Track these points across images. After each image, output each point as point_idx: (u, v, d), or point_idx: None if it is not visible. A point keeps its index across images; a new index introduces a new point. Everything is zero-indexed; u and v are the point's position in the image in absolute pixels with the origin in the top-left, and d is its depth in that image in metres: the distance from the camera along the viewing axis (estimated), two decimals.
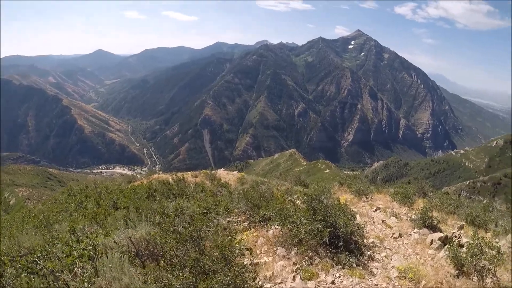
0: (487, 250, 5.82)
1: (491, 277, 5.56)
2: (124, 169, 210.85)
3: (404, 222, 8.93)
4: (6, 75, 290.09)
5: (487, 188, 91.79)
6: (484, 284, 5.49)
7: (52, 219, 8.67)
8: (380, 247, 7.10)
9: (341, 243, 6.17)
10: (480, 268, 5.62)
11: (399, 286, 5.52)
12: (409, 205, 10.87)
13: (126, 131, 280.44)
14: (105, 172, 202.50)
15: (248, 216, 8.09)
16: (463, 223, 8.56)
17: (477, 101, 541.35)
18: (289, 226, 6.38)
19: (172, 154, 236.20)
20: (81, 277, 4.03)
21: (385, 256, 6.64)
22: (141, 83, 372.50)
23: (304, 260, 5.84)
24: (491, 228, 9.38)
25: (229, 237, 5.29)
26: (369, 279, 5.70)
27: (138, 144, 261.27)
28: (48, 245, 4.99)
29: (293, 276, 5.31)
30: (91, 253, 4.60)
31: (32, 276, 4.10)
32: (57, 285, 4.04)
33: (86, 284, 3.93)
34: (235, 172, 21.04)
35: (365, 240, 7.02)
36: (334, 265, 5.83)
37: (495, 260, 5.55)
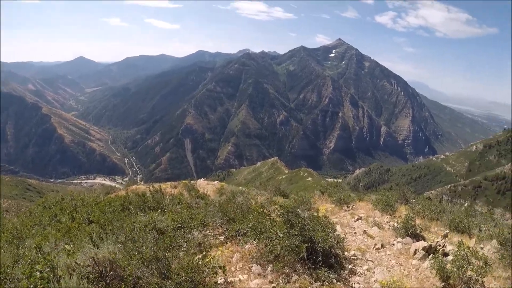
0: (473, 260, 5.63)
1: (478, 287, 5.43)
2: (105, 180, 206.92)
3: (387, 232, 8.74)
4: None
5: (468, 192, 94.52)
6: None
7: (25, 234, 8.38)
8: (362, 259, 6.82)
9: (320, 258, 5.76)
10: (467, 279, 5.46)
11: None
12: (391, 213, 10.67)
13: (107, 140, 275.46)
14: (86, 182, 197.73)
15: (224, 229, 7.62)
16: (447, 231, 8.35)
17: (457, 108, 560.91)
18: (264, 241, 5.91)
19: (153, 164, 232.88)
20: None
21: (367, 269, 6.36)
22: (123, 91, 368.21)
23: (280, 277, 5.42)
24: (475, 233, 9.30)
25: (202, 253, 4.92)
26: None
27: (119, 154, 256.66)
28: (8, 266, 4.73)
29: None
30: (49, 275, 4.22)
31: None
32: None
33: None
34: (216, 182, 20.45)
35: (346, 253, 6.74)
36: (313, 282, 5.46)
37: (483, 271, 5.38)
